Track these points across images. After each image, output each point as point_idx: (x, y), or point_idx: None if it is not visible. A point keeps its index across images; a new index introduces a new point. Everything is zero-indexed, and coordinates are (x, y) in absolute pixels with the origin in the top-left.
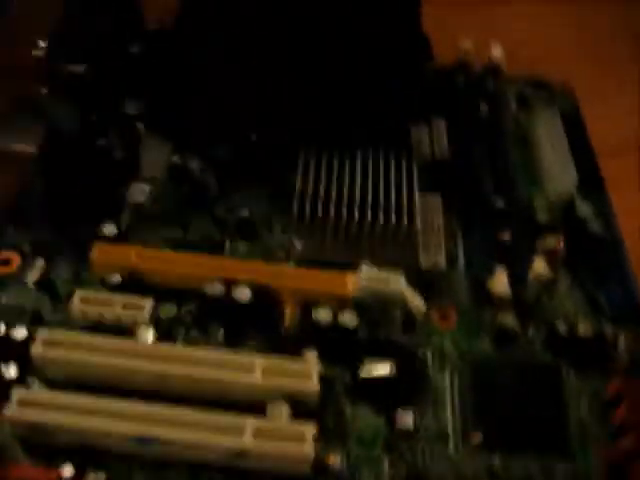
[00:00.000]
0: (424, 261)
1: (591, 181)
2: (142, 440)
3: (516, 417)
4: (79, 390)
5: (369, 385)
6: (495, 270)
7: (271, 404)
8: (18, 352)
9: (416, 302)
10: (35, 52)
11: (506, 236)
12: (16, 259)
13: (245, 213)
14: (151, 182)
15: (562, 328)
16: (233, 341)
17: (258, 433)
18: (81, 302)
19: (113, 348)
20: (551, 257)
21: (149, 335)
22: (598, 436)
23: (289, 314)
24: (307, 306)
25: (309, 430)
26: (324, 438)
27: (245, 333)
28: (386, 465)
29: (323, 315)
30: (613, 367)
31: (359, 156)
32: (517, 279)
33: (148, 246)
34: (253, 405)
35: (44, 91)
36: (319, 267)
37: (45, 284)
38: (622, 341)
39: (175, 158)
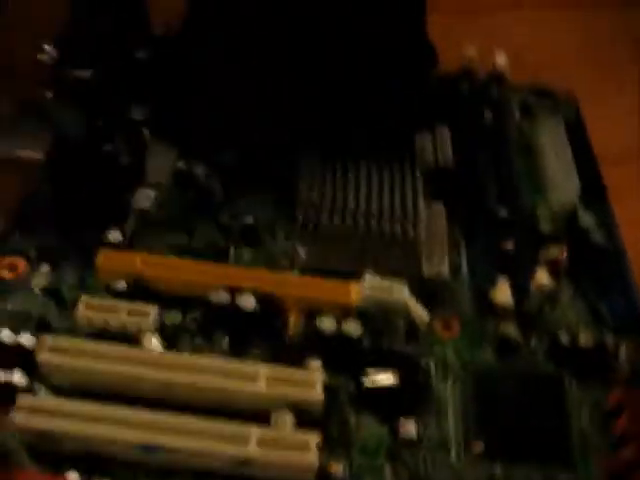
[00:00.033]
0: (427, 270)
1: (594, 191)
2: (147, 448)
3: (518, 427)
4: (85, 397)
5: (373, 394)
6: (498, 280)
7: (275, 413)
8: (24, 359)
9: (419, 312)
10: (40, 56)
11: (509, 246)
12: (22, 265)
13: (249, 220)
14: (156, 188)
15: (564, 338)
16: (238, 349)
17: (262, 442)
18: (86, 309)
19: (118, 355)
20: (554, 267)
21: (154, 343)
22: (599, 446)
23: (293, 322)
24: (311, 314)
25: (313, 439)
26: (328, 447)
27: (250, 341)
28: (389, 474)
29: (327, 324)
30: (614, 377)
31: (363, 164)
32: (520, 289)
33: (153, 252)
34: (257, 414)
35: (49, 95)
36: (323, 275)
37: (51, 290)
38: (623, 351)
39: (180, 164)
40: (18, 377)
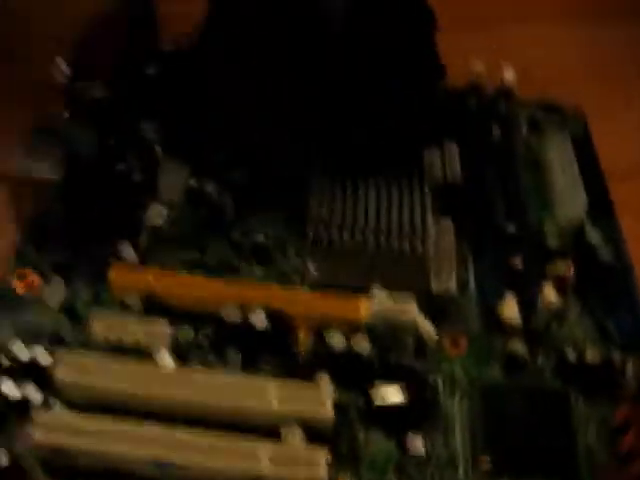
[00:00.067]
0: (435, 286)
1: (601, 207)
2: (160, 465)
3: (525, 443)
4: (98, 412)
5: (381, 410)
6: (505, 296)
7: (286, 429)
8: (38, 373)
9: (427, 329)
10: (56, 74)
11: (517, 262)
12: (36, 279)
13: (261, 237)
14: (169, 205)
15: (571, 355)
16: (249, 365)
17: (273, 458)
18: (100, 324)
19: (132, 372)
20: (561, 283)
21: (167, 359)
22: (606, 462)
23: (303, 339)
24: (320, 331)
25: (323, 455)
26: (337, 463)
27: (260, 357)
28: None
29: (336, 340)
30: (621, 394)
31: (372, 180)
32: (527, 306)
33: (165, 268)
34: (268, 430)
35: (66, 115)
36: (333, 291)
37: (64, 305)
38: (630, 368)
39: (192, 181)
40: (33, 392)
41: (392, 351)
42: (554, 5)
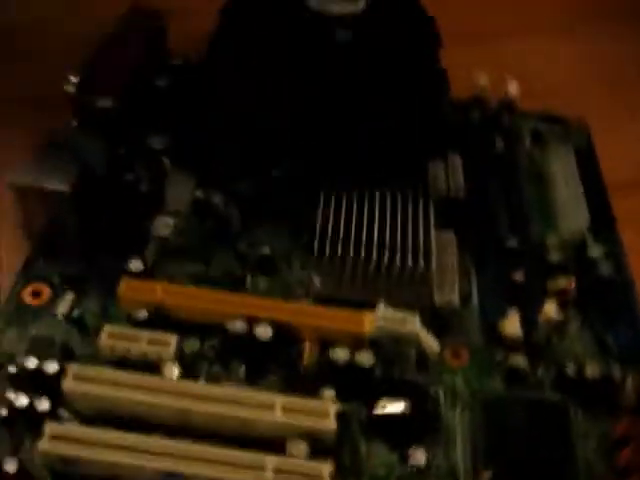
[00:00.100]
0: (438, 299)
1: (603, 221)
2: (168, 476)
3: (525, 456)
4: (107, 424)
5: (383, 423)
6: (507, 310)
7: (290, 441)
8: (48, 385)
9: (430, 342)
10: (66, 87)
11: (519, 276)
12: (46, 291)
13: (266, 250)
14: (175, 216)
15: (571, 369)
16: (253, 377)
17: (277, 470)
18: (109, 337)
19: (140, 384)
20: (562, 298)
21: (174, 372)
22: (604, 476)
23: (308, 352)
24: (325, 344)
25: (326, 468)
26: (340, 475)
27: (265, 370)
28: None
29: (340, 354)
30: (621, 408)
31: (378, 193)
32: (528, 320)
33: (172, 280)
34: (273, 442)
35: (74, 124)
36: (336, 305)
37: (74, 317)
38: (630, 382)
39: (198, 193)
40: (42, 403)
41: (395, 364)
42: (556, 17)
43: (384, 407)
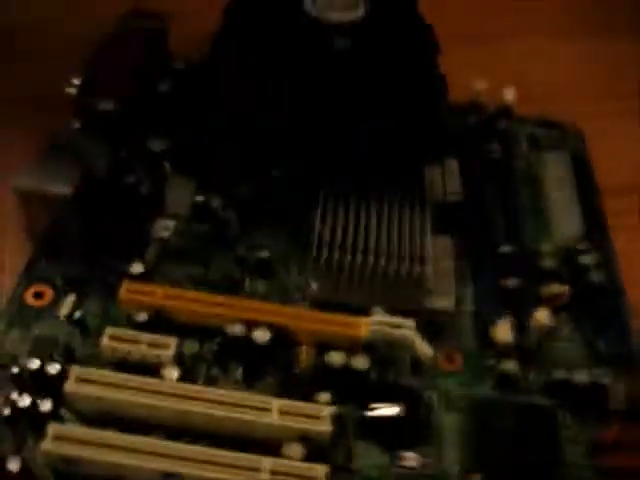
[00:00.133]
0: (433, 304)
1: (596, 227)
2: (167, 476)
3: (514, 459)
4: (109, 424)
5: (377, 425)
6: (500, 316)
7: (286, 443)
8: (50, 386)
9: (423, 347)
10: (68, 89)
11: (512, 282)
12: (48, 292)
13: (264, 254)
14: (175, 219)
15: (561, 374)
16: (251, 380)
17: (274, 472)
18: (110, 339)
19: (140, 387)
20: (554, 304)
21: (173, 374)
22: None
23: (304, 355)
24: (321, 348)
25: (321, 469)
26: (335, 477)
27: (263, 372)
28: None
29: (336, 358)
30: (610, 413)
31: (375, 197)
32: (520, 326)
33: (171, 282)
34: (269, 444)
35: (76, 127)
36: (333, 309)
37: (75, 318)
38: (619, 387)
39: (197, 197)
40: (44, 403)
41: (390, 368)
42: (555, 21)
43: (377, 409)
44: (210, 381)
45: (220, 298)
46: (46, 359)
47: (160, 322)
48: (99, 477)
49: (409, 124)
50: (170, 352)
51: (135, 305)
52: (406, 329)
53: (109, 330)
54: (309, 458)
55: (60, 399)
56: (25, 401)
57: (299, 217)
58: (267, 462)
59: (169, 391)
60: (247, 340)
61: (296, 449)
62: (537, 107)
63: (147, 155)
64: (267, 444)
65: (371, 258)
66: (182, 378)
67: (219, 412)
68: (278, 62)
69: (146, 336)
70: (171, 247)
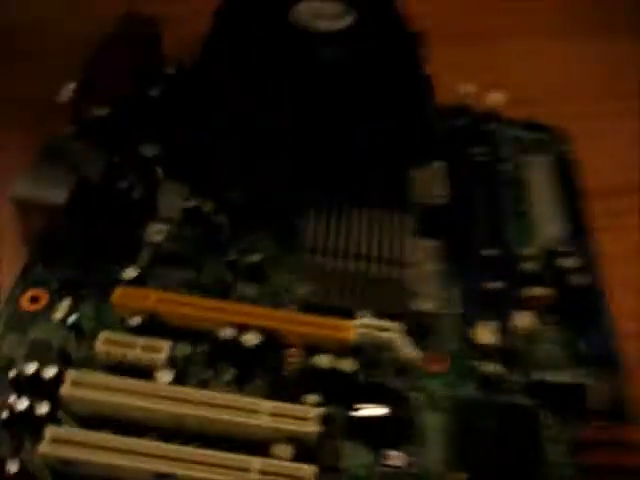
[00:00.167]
0: (417, 307)
1: (578, 230)
2: (160, 477)
3: (497, 458)
4: (104, 427)
5: (364, 426)
6: (483, 319)
7: (275, 444)
8: (47, 389)
9: (409, 349)
10: (60, 97)
11: (495, 285)
12: (44, 297)
13: (255, 258)
14: (168, 223)
15: (543, 375)
16: (241, 381)
17: (263, 472)
18: (105, 343)
19: (134, 390)
20: (536, 306)
21: (167, 377)
22: (573, 479)
23: (294, 358)
24: (309, 350)
25: (309, 469)
26: (323, 476)
27: (253, 374)
28: None
29: (324, 360)
30: (590, 412)
31: (362, 200)
32: (503, 328)
33: (164, 286)
34: (259, 444)
35: (70, 131)
36: (321, 312)
37: (70, 322)
38: (599, 387)
39: (188, 202)
40: (41, 406)
41: (376, 370)
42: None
43: (364, 410)
44: (202, 383)
45: (212, 302)
46: (42, 363)
47: (153, 326)
48: (96, 477)
49: (396, 128)
50: (163, 355)
51: (129, 309)
52: (392, 332)
53: (103, 334)
54: (298, 458)
55: (57, 402)
56: (23, 404)
57: (288, 222)
58: (257, 462)
59: (162, 394)
60: (238, 343)
61: (285, 449)
62: (525, 108)
63: (139, 160)
64: (258, 445)
65: (358, 263)
66: (175, 381)
67: (211, 414)
68: (267, 65)
69: (140, 340)
70: (163, 251)
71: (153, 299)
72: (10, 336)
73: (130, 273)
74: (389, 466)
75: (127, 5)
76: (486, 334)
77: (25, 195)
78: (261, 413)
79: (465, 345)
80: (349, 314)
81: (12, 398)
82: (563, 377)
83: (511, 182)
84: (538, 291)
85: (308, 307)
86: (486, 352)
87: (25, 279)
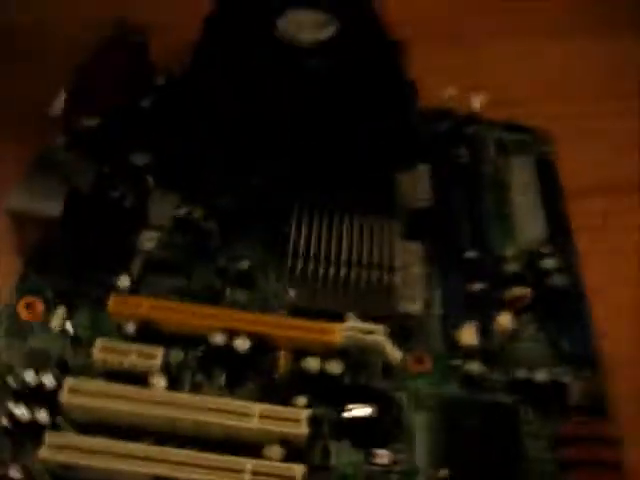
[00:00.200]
0: (403, 309)
1: (559, 231)
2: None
3: (479, 455)
4: (103, 432)
5: (351, 426)
6: (466, 319)
7: (266, 446)
8: (46, 396)
9: (393, 351)
10: (56, 105)
11: (477, 286)
12: (39, 305)
13: (244, 264)
14: (159, 230)
15: (524, 373)
16: (233, 385)
17: (255, 472)
18: (101, 350)
19: (130, 396)
20: (517, 306)
21: (161, 383)
22: (552, 474)
23: (283, 361)
24: (298, 354)
25: (299, 469)
26: (313, 475)
27: (244, 378)
28: None
29: (312, 363)
30: (569, 409)
31: (347, 205)
32: (485, 329)
33: (156, 294)
34: (251, 446)
35: (62, 142)
36: (309, 316)
37: (66, 330)
38: (578, 385)
39: (178, 209)
40: (41, 414)
41: (362, 371)
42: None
43: (351, 411)
44: (195, 388)
45: (203, 308)
46: (41, 371)
47: (147, 332)
48: None
49: (381, 134)
50: (157, 361)
51: (123, 317)
52: (377, 335)
53: (100, 342)
54: (288, 458)
55: (56, 409)
56: (22, 411)
57: (275, 228)
58: (249, 463)
59: (158, 400)
60: (229, 348)
61: (276, 450)
62: (506, 110)
63: (130, 169)
64: (250, 447)
65: (344, 267)
66: (169, 386)
67: (204, 418)
68: (254, 74)
69: (135, 347)
70: (155, 258)
71: (146, 306)
72: (8, 344)
73: (124, 282)
74: (377, 464)
75: (116, 13)
76: (469, 335)
77: (20, 207)
78: (252, 416)
79: (449, 345)
80: (339, 317)
81: (12, 405)
82: (543, 375)
83: (493, 184)
84: (518, 291)
85: (297, 312)
86: (469, 352)
87: (21, 289)
